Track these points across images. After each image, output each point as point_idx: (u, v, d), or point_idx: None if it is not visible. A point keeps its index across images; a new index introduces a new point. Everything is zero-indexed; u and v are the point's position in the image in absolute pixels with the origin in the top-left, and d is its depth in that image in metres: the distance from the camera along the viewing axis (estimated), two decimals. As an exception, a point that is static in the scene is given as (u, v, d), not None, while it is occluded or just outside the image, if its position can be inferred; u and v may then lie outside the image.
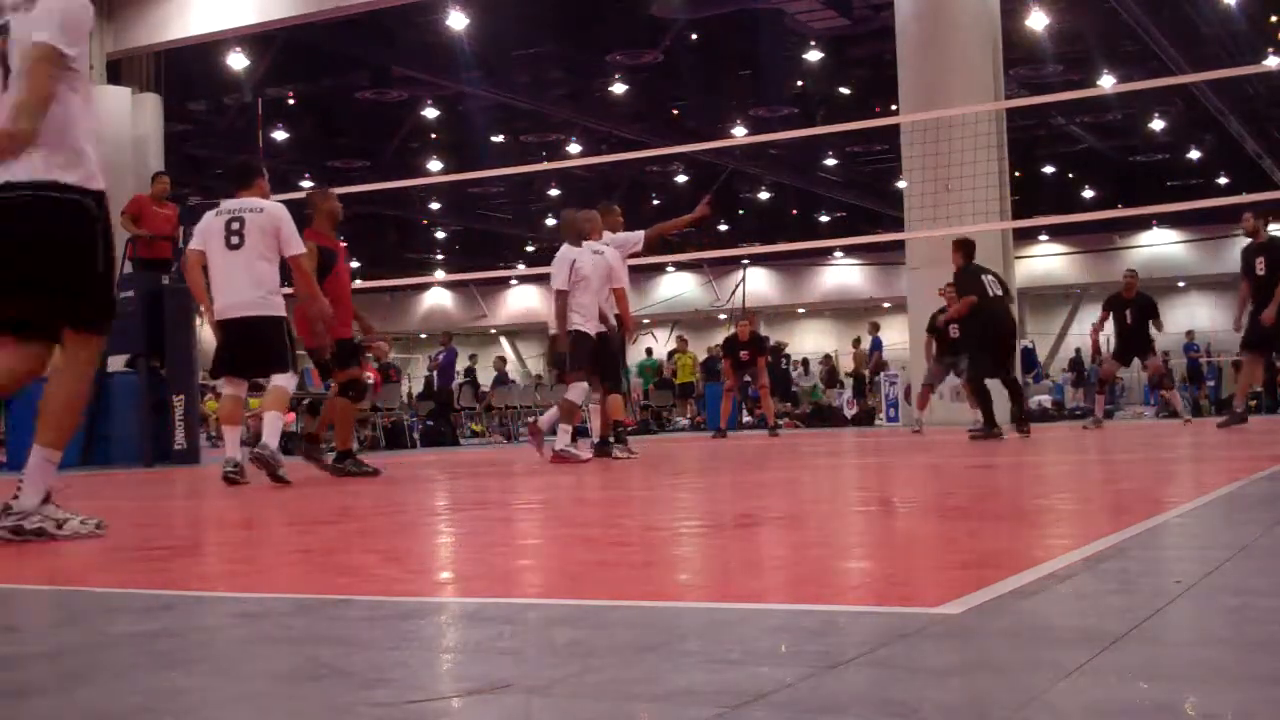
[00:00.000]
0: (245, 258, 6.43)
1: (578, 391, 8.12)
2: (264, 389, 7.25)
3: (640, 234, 9.12)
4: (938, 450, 8.81)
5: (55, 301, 3.53)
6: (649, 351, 25.11)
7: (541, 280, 39.81)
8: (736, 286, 23.37)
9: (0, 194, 3.44)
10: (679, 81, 24.94)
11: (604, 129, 26.85)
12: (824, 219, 34.70)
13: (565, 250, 8.11)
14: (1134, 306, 12.45)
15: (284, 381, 6.65)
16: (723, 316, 33.79)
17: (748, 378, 15.41)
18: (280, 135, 26.86)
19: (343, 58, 22.96)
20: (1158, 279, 33.86)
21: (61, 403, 3.69)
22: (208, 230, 6.59)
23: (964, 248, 10.95)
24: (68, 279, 3.52)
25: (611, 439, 8.59)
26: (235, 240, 6.44)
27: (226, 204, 6.65)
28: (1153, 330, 12.65)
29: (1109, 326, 12.86)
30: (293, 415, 17.37)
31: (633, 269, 9.43)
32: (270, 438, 6.46)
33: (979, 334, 10.86)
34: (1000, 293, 10.82)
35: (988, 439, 10.05)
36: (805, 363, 25.85)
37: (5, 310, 3.55)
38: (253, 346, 6.55)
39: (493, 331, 41.19)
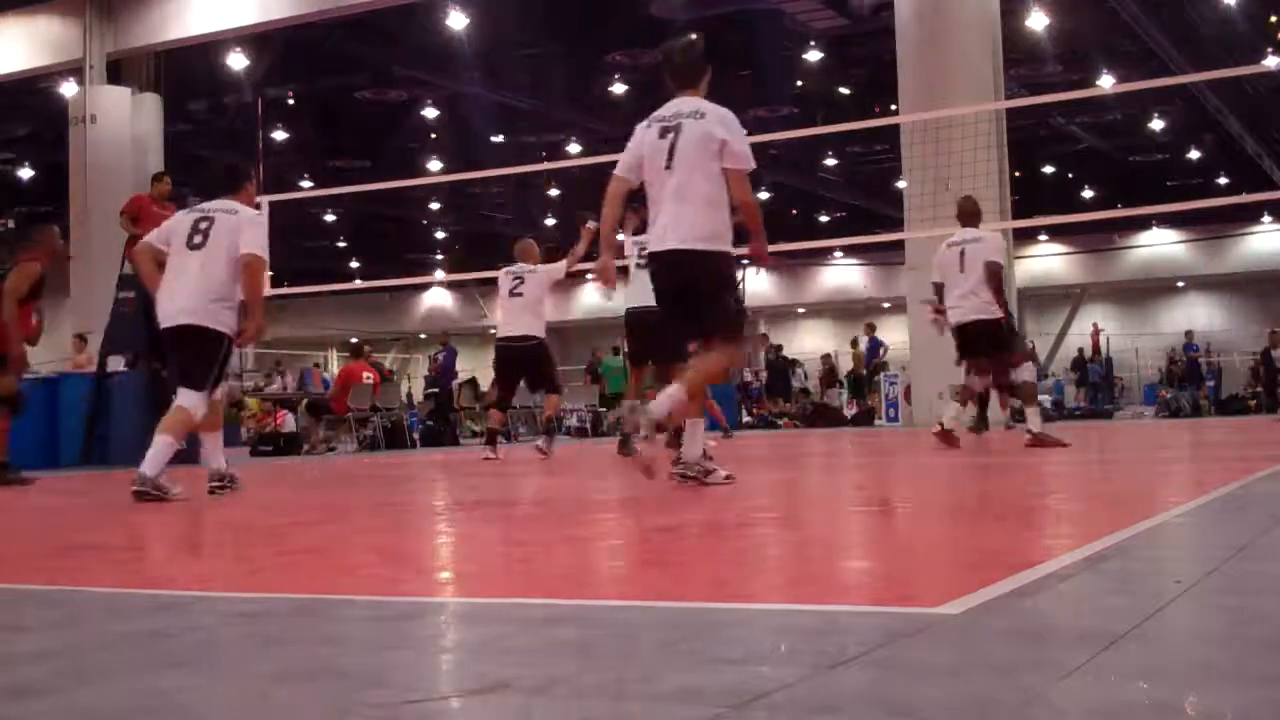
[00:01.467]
0: (202, 260, 5.58)
1: (1029, 371, 8.73)
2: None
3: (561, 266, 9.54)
4: (938, 450, 8.80)
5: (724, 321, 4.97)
6: (615, 350, 24.88)
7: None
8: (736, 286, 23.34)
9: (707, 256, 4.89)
10: (679, 81, 24.89)
11: (604, 129, 26.83)
12: (824, 219, 34.67)
13: (990, 234, 8.46)
14: None
15: (190, 402, 5.56)
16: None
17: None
18: (280, 135, 26.85)
19: (343, 58, 22.94)
20: (1157, 279, 33.91)
21: (697, 381, 4.97)
22: (173, 227, 5.80)
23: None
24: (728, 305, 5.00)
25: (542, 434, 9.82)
26: (198, 240, 5.62)
27: (204, 205, 5.85)
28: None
29: None
30: (284, 414, 17.39)
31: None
32: (150, 466, 5.34)
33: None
34: None
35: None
36: (795, 362, 25.77)
37: (700, 331, 5.07)
38: (182, 357, 5.67)
39: (492, 331, 41.13)
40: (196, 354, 5.58)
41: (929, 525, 3.61)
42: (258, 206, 7.19)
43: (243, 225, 5.64)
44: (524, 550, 3.36)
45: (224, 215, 5.68)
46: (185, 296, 5.55)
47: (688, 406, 4.97)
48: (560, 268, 9.56)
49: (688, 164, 4.85)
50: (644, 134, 5.07)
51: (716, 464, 5.07)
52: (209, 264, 5.56)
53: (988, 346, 8.12)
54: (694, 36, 5.36)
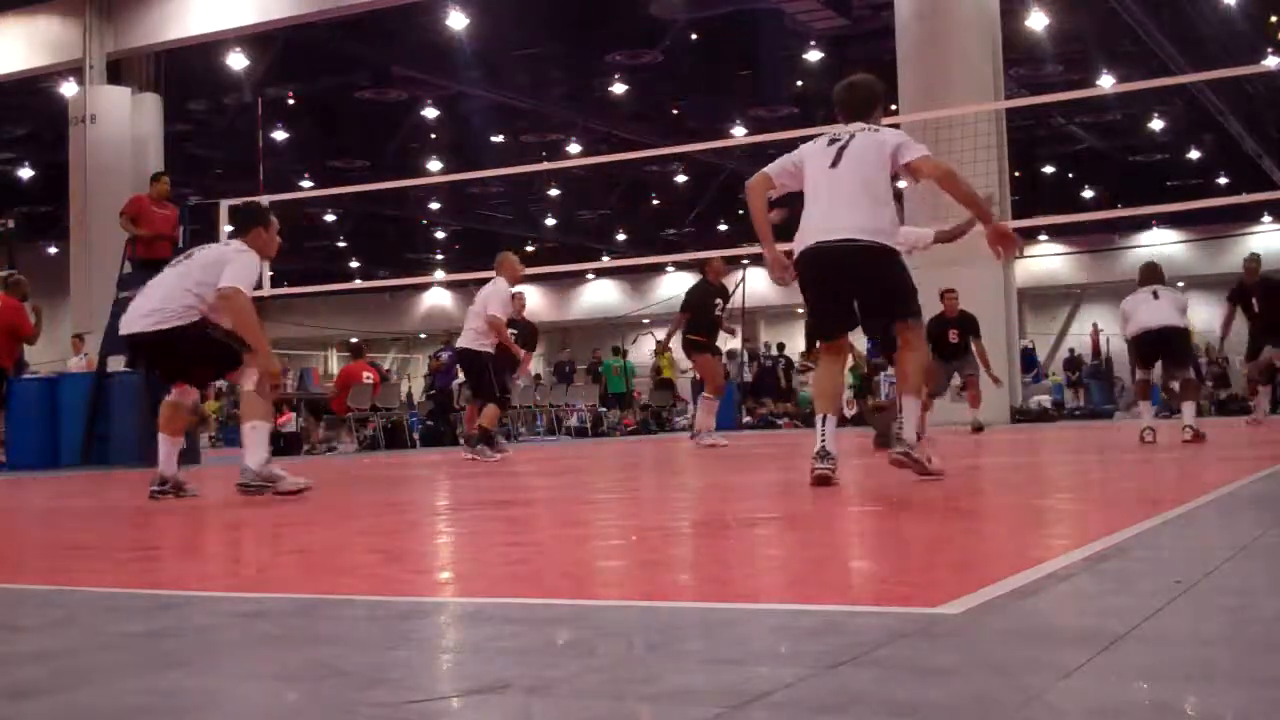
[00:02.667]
0: (170, 278, 5.54)
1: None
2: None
3: (930, 232, 9.10)
4: (936, 450, 8.80)
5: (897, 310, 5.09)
6: (615, 350, 24.91)
7: (542, 280, 39.86)
8: (736, 286, 23.39)
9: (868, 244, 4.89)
10: (679, 81, 24.93)
11: (604, 129, 26.84)
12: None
13: None
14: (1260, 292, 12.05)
15: (248, 384, 5.42)
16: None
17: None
18: (280, 135, 26.86)
19: (343, 58, 22.95)
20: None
21: (913, 367, 5.11)
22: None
23: None
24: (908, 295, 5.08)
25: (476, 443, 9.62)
26: (178, 260, 5.68)
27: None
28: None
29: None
30: (290, 415, 17.39)
31: (633, 270, 9.75)
32: (250, 455, 5.27)
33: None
34: None
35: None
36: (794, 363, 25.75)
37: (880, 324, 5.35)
38: (165, 362, 5.63)
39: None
40: (178, 353, 5.47)
41: (929, 525, 3.61)
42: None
43: (226, 258, 5.44)
44: (524, 550, 3.36)
45: (210, 249, 5.69)
46: (145, 304, 5.47)
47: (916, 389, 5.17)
48: (499, 323, 9.54)
49: (855, 166, 4.97)
50: (807, 146, 5.23)
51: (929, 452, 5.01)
52: (174, 285, 5.45)
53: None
54: (865, 76, 5.50)
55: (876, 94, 5.38)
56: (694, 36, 22.90)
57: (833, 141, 5.15)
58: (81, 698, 1.56)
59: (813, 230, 5.03)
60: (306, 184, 27.48)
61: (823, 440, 4.82)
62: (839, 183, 5.00)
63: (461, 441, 10.63)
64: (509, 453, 10.06)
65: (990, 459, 7.55)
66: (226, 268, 5.36)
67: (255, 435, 5.28)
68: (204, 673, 1.71)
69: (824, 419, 4.94)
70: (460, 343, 9.93)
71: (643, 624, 1.98)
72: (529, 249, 38.27)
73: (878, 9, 20.06)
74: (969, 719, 1.31)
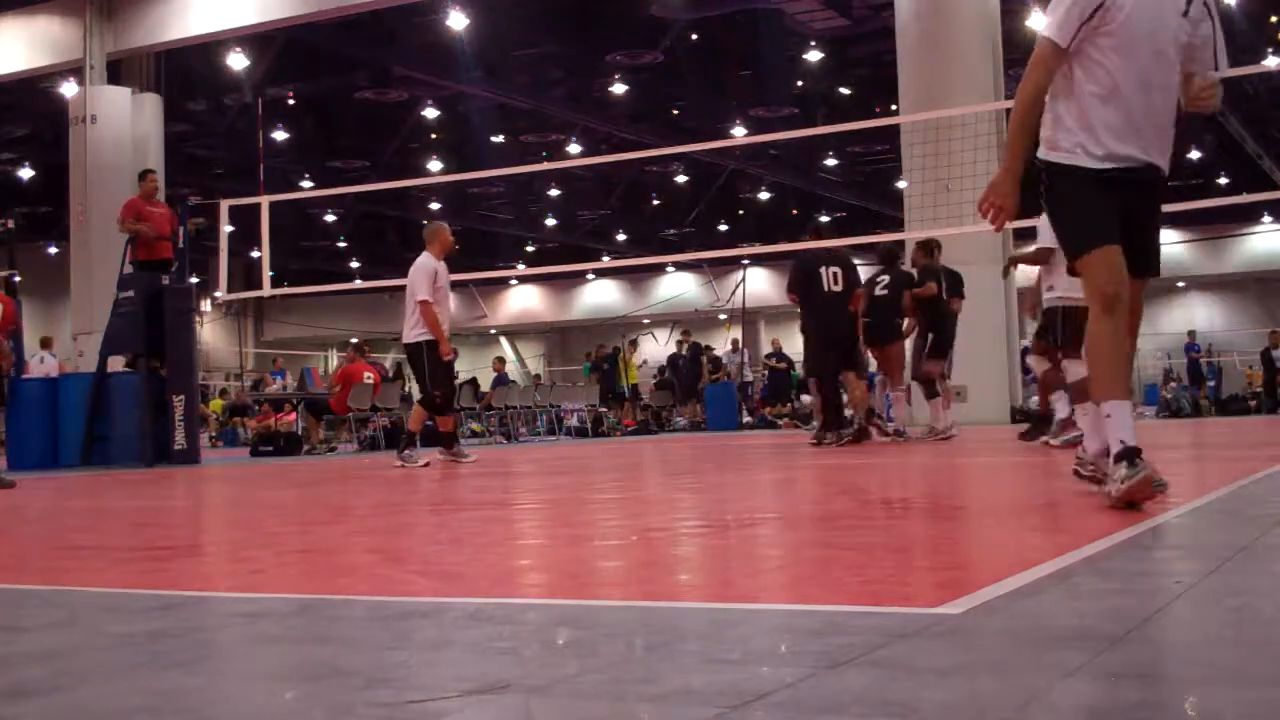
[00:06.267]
0: None
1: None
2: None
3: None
4: (934, 451, 8.80)
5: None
6: (615, 350, 24.69)
7: (542, 280, 39.87)
8: (737, 286, 23.40)
9: None
10: (679, 81, 24.93)
11: (604, 129, 26.83)
12: (824, 219, 34.71)
13: None
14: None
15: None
16: (723, 316, 33.74)
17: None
18: (280, 135, 26.85)
19: (343, 58, 22.95)
20: (1158, 279, 33.88)
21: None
22: None
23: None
24: None
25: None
26: None
27: None
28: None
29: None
30: (293, 414, 17.39)
31: (632, 270, 9.58)
32: None
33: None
34: (839, 289, 10.02)
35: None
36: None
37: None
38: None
39: (492, 331, 41.18)
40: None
41: (929, 525, 3.61)
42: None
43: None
44: (524, 550, 3.36)
45: None
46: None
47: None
48: (427, 307, 8.58)
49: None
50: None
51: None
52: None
53: None
54: None
55: None
56: (694, 36, 22.90)
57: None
58: (81, 698, 1.56)
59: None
60: (306, 184, 27.46)
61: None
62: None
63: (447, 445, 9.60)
64: (472, 458, 9.19)
65: (990, 458, 7.54)
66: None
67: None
68: (204, 673, 1.71)
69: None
70: (404, 336, 8.89)
71: (643, 624, 1.98)
72: (529, 249, 38.31)
73: (878, 9, 20.06)
74: (968, 719, 1.31)
